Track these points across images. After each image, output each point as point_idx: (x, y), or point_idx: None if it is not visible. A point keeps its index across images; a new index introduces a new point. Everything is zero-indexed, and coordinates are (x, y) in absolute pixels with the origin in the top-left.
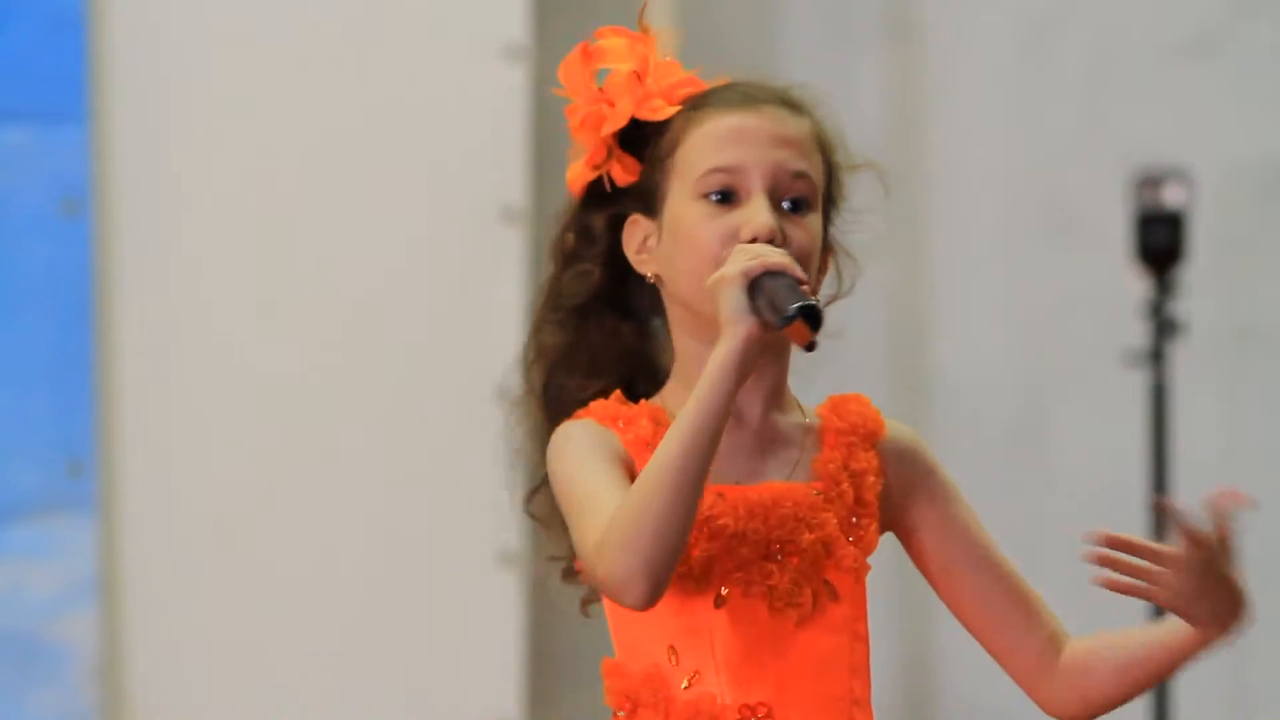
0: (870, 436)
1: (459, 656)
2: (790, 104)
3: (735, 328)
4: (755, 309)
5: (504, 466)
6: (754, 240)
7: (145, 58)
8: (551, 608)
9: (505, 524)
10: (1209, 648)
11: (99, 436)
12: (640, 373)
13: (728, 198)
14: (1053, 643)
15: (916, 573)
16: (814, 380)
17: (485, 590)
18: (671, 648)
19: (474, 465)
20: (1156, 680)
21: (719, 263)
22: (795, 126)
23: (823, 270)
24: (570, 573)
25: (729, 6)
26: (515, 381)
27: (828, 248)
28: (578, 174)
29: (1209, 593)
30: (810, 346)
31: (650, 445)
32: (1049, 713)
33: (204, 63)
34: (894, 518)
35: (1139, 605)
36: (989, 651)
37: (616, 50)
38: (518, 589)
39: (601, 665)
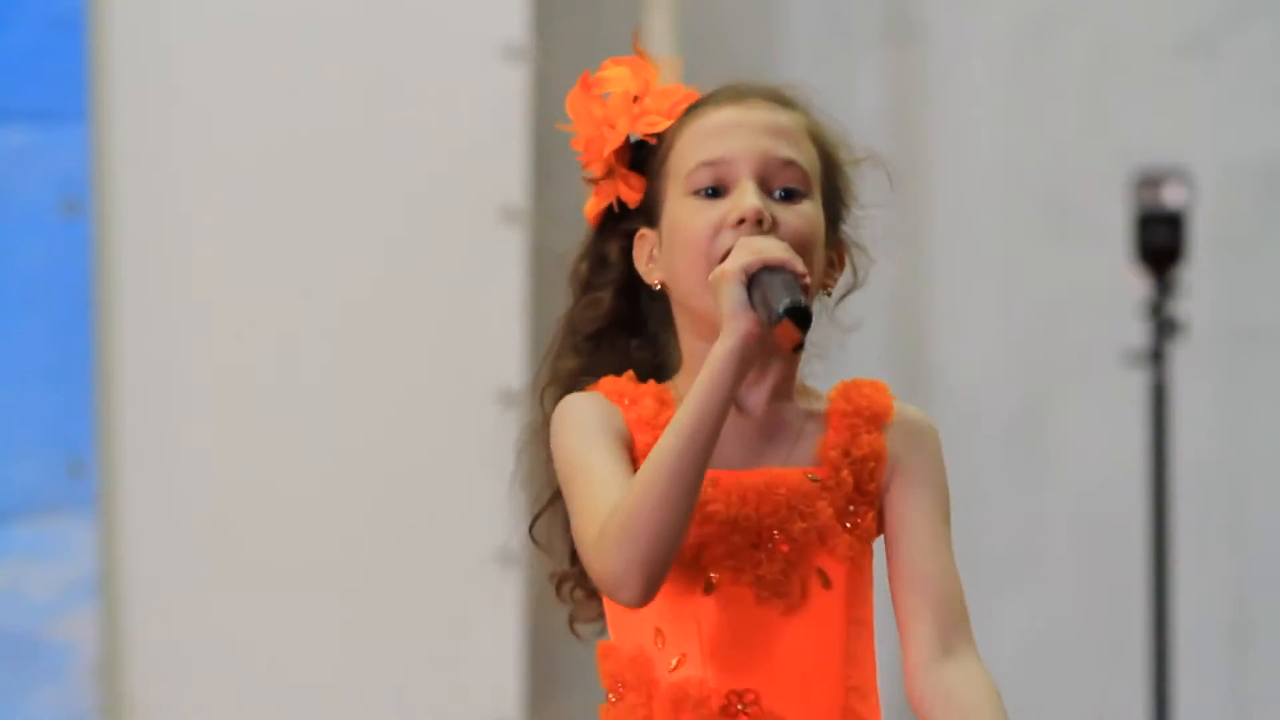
0: (876, 419)
1: (459, 656)
2: (780, 99)
3: (734, 324)
4: (753, 304)
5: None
6: (741, 222)
7: (145, 58)
8: (551, 608)
9: (505, 524)
10: None
11: (99, 436)
12: (661, 371)
13: (718, 191)
14: (936, 651)
15: None
16: (815, 381)
17: (485, 590)
18: (658, 630)
19: (474, 465)
20: None
21: (711, 255)
22: (784, 117)
23: (839, 266)
24: (564, 585)
25: (729, 6)
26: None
27: (840, 243)
28: (592, 204)
29: None
30: (797, 348)
31: (653, 425)
32: (912, 709)
33: (204, 62)
34: (884, 494)
35: (1139, 603)
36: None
37: (619, 78)
38: (518, 589)
39: (597, 647)
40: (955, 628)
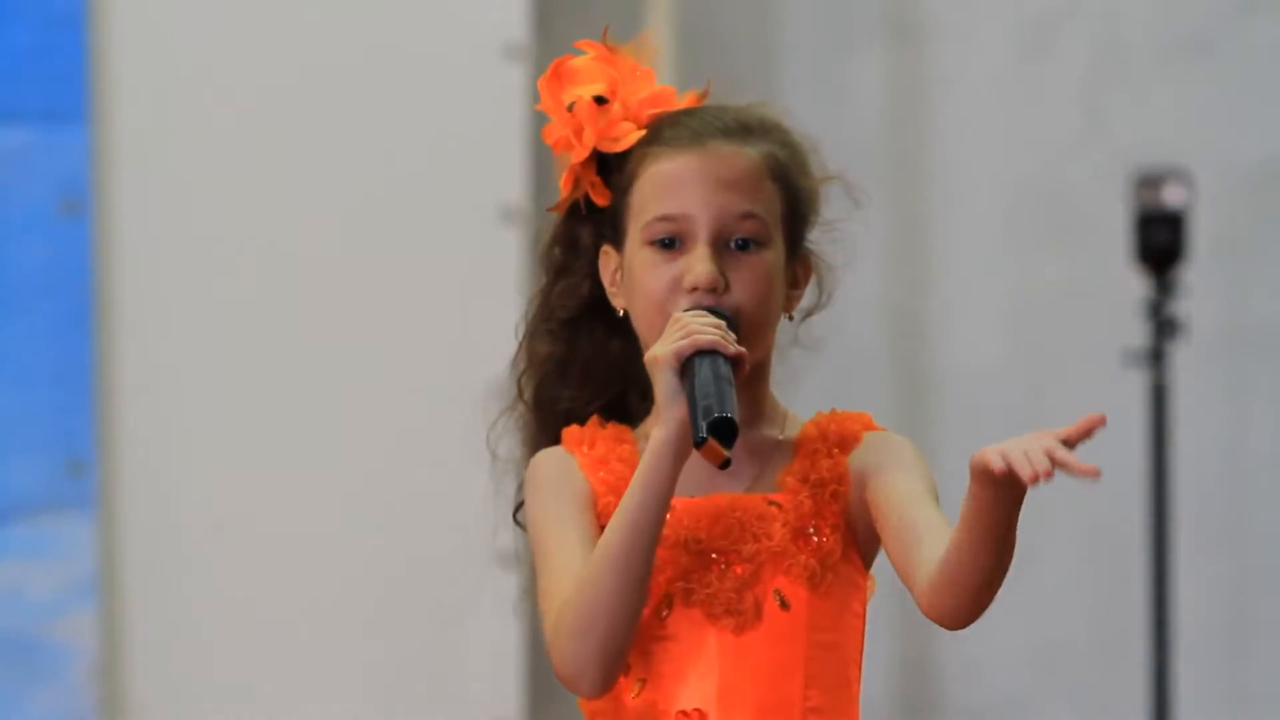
0: (843, 444)
1: (459, 656)
2: (743, 132)
3: (668, 412)
4: (685, 392)
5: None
6: (694, 289)
7: (145, 58)
8: None
9: (505, 524)
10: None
11: (99, 436)
12: (632, 385)
13: (674, 243)
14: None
15: None
16: (816, 381)
17: (485, 590)
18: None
19: (474, 465)
20: (984, 546)
21: (666, 312)
22: (743, 163)
23: (799, 285)
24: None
25: (729, 6)
26: (506, 389)
27: (803, 264)
28: (564, 188)
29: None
30: (725, 464)
31: (604, 461)
32: (929, 615)
33: (204, 63)
34: (862, 510)
35: (1139, 603)
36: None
37: (588, 70)
38: (518, 589)
39: None
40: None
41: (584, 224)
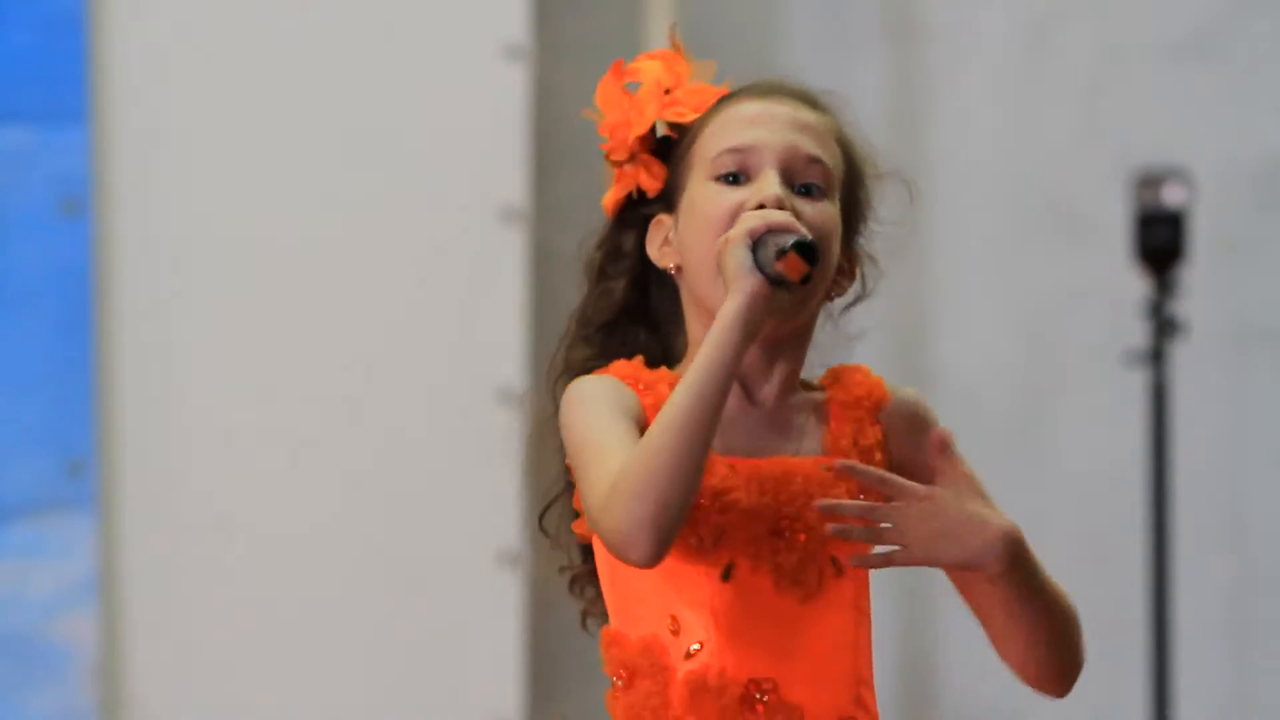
0: (875, 408)
1: (459, 656)
2: (811, 100)
3: (740, 284)
4: (759, 266)
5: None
6: (760, 208)
7: (145, 58)
8: (551, 608)
9: (505, 524)
10: (996, 580)
11: (99, 436)
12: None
13: (740, 178)
14: None
15: (916, 571)
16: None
17: (485, 590)
18: (673, 618)
19: (474, 465)
20: (1011, 624)
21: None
22: (815, 117)
23: (850, 275)
24: (576, 584)
25: (729, 6)
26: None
27: (854, 253)
28: (611, 194)
29: (950, 534)
30: (805, 279)
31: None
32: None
33: (204, 63)
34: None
35: (1139, 603)
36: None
37: (649, 69)
38: (518, 589)
39: (600, 634)
40: None
41: (630, 228)
